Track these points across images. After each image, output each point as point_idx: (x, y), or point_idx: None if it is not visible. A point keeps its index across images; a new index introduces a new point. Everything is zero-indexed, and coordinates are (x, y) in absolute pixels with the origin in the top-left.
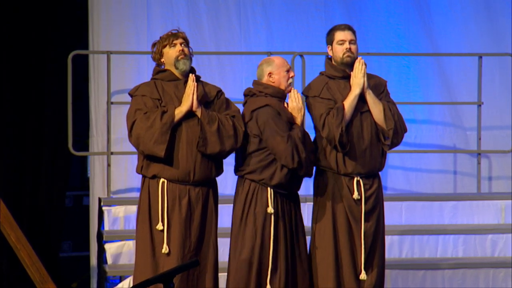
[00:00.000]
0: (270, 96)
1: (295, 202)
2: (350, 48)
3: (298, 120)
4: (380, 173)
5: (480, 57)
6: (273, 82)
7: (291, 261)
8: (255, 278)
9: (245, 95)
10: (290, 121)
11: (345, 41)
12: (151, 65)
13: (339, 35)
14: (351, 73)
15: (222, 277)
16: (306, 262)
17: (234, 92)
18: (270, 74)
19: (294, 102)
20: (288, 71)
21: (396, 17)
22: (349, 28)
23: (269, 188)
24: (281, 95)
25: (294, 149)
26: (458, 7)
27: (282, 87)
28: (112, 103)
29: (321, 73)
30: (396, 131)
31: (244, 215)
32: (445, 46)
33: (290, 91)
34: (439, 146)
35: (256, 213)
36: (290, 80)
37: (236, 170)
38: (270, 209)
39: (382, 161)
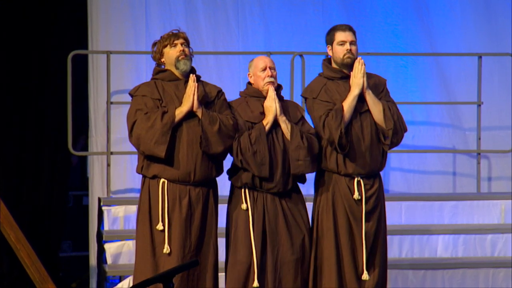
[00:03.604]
0: (248, 96)
1: (292, 201)
2: (350, 49)
3: (267, 119)
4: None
5: (480, 57)
6: (253, 83)
7: (273, 260)
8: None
9: None
10: (252, 120)
11: (346, 42)
12: (150, 65)
13: (340, 36)
14: (351, 73)
15: (222, 277)
16: (294, 263)
17: (232, 92)
18: (249, 75)
19: (266, 101)
20: (264, 70)
21: (394, 16)
22: (350, 28)
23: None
24: (259, 95)
25: (238, 149)
26: (457, 7)
27: (260, 86)
28: (111, 103)
29: (319, 74)
30: (396, 131)
31: (229, 214)
32: (444, 46)
33: (267, 90)
34: (438, 147)
35: (231, 211)
36: (267, 79)
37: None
38: (244, 205)
39: (383, 161)
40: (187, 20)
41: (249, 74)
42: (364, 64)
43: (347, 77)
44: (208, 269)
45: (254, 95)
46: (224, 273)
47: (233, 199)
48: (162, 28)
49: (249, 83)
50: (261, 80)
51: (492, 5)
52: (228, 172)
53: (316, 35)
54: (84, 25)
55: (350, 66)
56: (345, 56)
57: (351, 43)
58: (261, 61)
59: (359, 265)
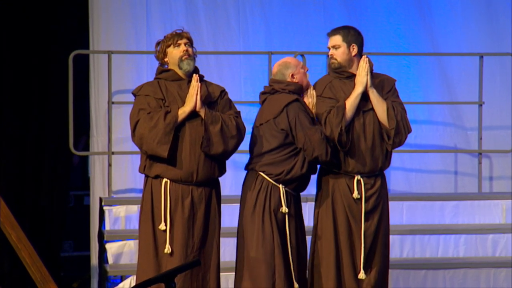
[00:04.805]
0: (292, 93)
1: (300, 203)
2: (332, 55)
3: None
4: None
5: (481, 57)
6: (298, 81)
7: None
8: (269, 277)
9: (264, 92)
10: (311, 116)
11: (329, 48)
12: (151, 65)
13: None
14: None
15: (223, 276)
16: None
17: (233, 92)
18: (292, 75)
19: (310, 98)
20: (302, 67)
21: (396, 16)
22: (333, 33)
23: (281, 187)
24: (301, 91)
25: (326, 141)
26: (458, 7)
27: (304, 83)
28: (113, 102)
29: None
30: (399, 131)
31: (256, 212)
32: (446, 46)
33: (309, 87)
34: (440, 146)
35: (270, 212)
36: (308, 75)
37: (249, 165)
38: (285, 209)
39: (386, 160)
40: (188, 20)
41: (292, 74)
42: (368, 63)
43: (353, 76)
44: (211, 269)
45: (299, 91)
46: (225, 273)
47: (265, 194)
48: (163, 28)
49: (277, 80)
50: (306, 76)
51: (493, 5)
52: (253, 163)
53: (317, 35)
54: (85, 25)
55: (336, 70)
56: (330, 61)
57: (333, 47)
58: (298, 60)
59: (357, 264)
